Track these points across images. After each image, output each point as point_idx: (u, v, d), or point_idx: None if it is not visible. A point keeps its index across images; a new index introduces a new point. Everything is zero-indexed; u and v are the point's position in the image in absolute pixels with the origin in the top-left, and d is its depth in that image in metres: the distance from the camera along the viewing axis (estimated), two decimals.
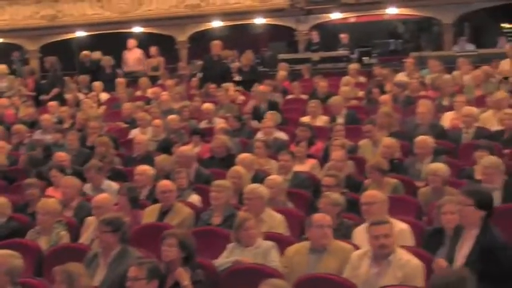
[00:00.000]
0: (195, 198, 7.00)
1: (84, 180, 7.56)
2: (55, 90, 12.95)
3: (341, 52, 14.57)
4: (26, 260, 5.21)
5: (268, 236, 5.72)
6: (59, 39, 15.88)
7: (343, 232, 5.75)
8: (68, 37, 16.01)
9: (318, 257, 5.28)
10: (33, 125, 10.75)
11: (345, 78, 11.70)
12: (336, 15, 16.23)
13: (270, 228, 6.03)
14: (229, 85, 12.03)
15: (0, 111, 11.76)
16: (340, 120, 9.47)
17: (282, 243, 5.62)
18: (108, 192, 7.00)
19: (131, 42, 14.55)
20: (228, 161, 7.88)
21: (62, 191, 7.18)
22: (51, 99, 12.34)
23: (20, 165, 8.67)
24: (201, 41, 15.48)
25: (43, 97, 12.91)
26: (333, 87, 11.26)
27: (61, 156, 8.30)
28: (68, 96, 12.54)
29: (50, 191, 7.53)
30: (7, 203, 6.86)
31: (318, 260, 5.27)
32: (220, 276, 5.35)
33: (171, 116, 9.87)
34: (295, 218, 6.32)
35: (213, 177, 7.32)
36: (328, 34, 15.98)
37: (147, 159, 8.13)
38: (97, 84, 13.04)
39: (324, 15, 15.95)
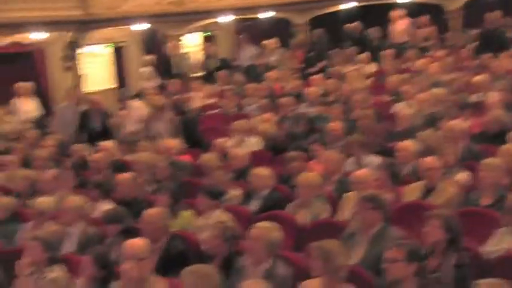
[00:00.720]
0: (463, 176, 6.51)
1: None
2: (322, 63, 13.12)
3: None
4: (284, 233, 5.16)
5: None
6: (327, 11, 15.93)
7: None
8: (335, 9, 16.00)
9: None
10: (299, 97, 10.87)
11: None
12: None
13: None
14: (506, 55, 11.15)
15: (270, 84, 12.13)
16: None
17: None
18: (370, 167, 6.79)
19: (398, 13, 14.12)
20: (501, 137, 7.24)
21: (324, 164, 7.15)
22: (317, 72, 12.47)
23: (284, 137, 8.78)
24: (475, 9, 14.53)
25: (310, 70, 13.06)
26: None
27: (334, 126, 8.29)
28: (334, 68, 12.55)
29: (312, 164, 7.51)
30: (271, 174, 6.94)
31: None
32: (489, 263, 4.86)
33: (439, 89, 9.41)
34: None
35: (484, 154, 6.76)
36: None
37: (411, 134, 7.78)
38: (363, 56, 12.87)
39: None
